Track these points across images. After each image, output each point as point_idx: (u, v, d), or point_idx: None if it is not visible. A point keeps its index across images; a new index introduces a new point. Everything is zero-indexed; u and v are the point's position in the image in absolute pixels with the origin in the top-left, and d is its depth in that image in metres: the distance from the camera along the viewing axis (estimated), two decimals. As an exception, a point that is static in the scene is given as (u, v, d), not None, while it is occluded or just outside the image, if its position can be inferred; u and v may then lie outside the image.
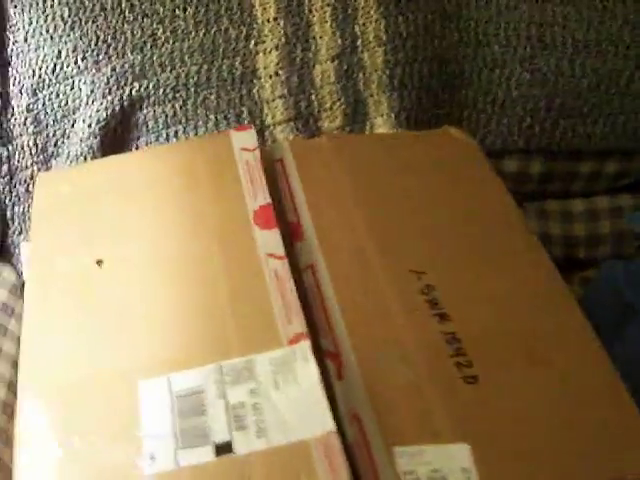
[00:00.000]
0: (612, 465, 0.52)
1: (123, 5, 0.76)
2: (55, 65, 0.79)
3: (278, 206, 0.66)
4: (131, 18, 0.76)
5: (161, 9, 0.76)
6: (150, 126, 0.78)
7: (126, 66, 0.77)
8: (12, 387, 0.65)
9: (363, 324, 0.59)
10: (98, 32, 0.76)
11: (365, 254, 0.64)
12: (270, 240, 0.62)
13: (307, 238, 0.65)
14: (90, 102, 0.77)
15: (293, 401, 0.52)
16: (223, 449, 0.50)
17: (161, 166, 0.69)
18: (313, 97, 0.80)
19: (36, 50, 0.79)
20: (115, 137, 0.79)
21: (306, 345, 0.55)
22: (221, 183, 0.67)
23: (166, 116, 0.78)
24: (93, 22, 0.76)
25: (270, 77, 0.79)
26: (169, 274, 0.61)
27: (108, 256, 0.63)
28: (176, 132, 0.78)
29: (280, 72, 0.79)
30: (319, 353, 0.57)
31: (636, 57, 0.84)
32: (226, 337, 0.56)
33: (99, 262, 0.62)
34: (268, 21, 0.78)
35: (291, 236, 0.65)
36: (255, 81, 0.79)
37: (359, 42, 0.79)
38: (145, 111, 0.77)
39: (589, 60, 0.84)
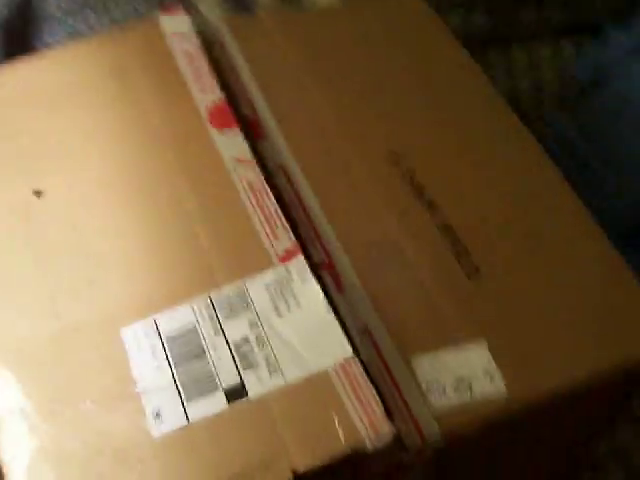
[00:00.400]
0: (623, 347, 0.51)
1: None
2: None
3: (227, 98, 0.58)
4: None
5: None
6: (53, 14, 0.66)
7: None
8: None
9: (352, 227, 0.53)
10: None
11: (336, 145, 0.57)
12: (233, 142, 0.55)
13: (270, 135, 0.57)
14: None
15: (301, 328, 0.47)
16: (235, 394, 0.45)
17: (85, 68, 0.59)
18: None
19: None
20: (16, 35, 0.67)
21: (301, 261, 0.49)
22: (161, 80, 0.58)
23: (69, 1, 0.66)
24: None
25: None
26: (124, 198, 0.53)
27: (47, 184, 0.54)
28: (86, 18, 0.67)
29: None
30: (311, 266, 0.51)
31: None
32: (208, 264, 0.50)
33: (37, 193, 0.53)
34: None
35: (250, 133, 0.58)
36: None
37: None
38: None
39: None
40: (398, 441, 0.45)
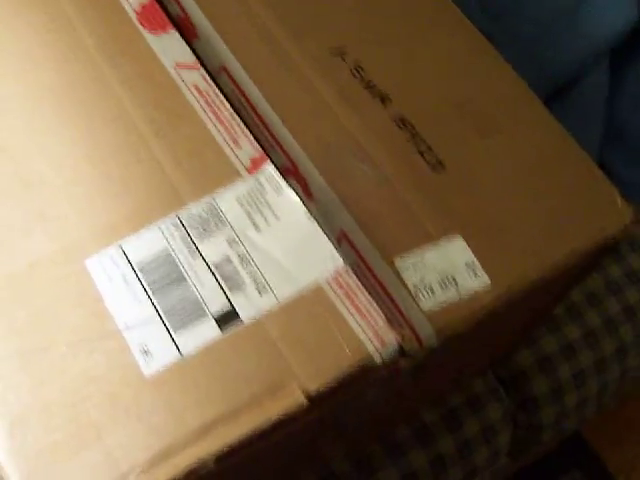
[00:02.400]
0: (590, 226, 0.50)
1: None
2: None
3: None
4: None
5: None
6: None
7: None
8: None
9: (307, 127, 0.49)
10: None
11: (276, 40, 0.51)
12: (170, 45, 0.48)
13: (205, 35, 0.51)
14: None
15: (284, 241, 0.43)
16: (226, 319, 0.41)
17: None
18: None
19: None
20: None
21: (270, 169, 0.45)
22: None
23: None
24: None
25: None
26: (61, 117, 0.45)
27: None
28: None
29: None
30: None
31: None
32: (169, 182, 0.44)
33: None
34: None
35: (183, 35, 0.51)
36: None
37: None
38: None
39: None
40: (400, 348, 0.42)
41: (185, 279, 0.41)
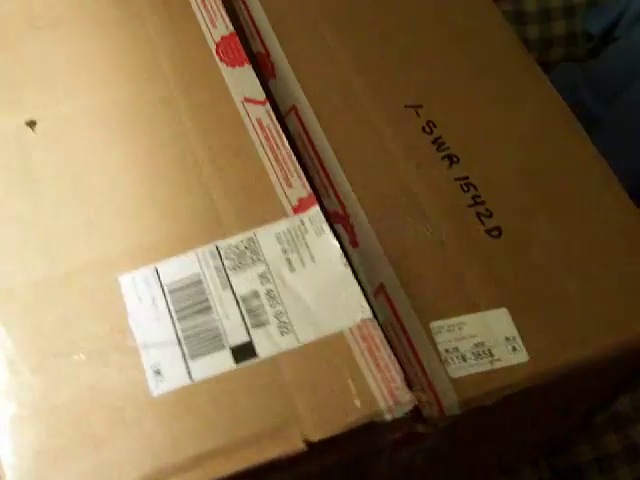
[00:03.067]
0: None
1: None
2: None
3: (239, 34, 0.52)
4: None
5: None
6: None
7: None
8: None
9: (367, 177, 0.48)
10: None
11: (352, 88, 0.51)
12: (243, 80, 0.49)
13: (281, 73, 0.51)
14: None
15: (315, 284, 0.42)
16: (243, 353, 0.40)
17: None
18: None
19: None
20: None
21: (316, 212, 0.44)
22: (167, 10, 0.51)
23: None
24: None
25: None
26: (124, 134, 0.47)
27: (41, 115, 0.47)
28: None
29: None
30: (326, 216, 0.46)
31: None
32: (215, 211, 0.44)
33: (31, 124, 0.47)
34: None
35: (261, 72, 0.52)
36: None
37: None
38: None
39: None
40: (416, 411, 0.40)
41: (210, 308, 0.41)
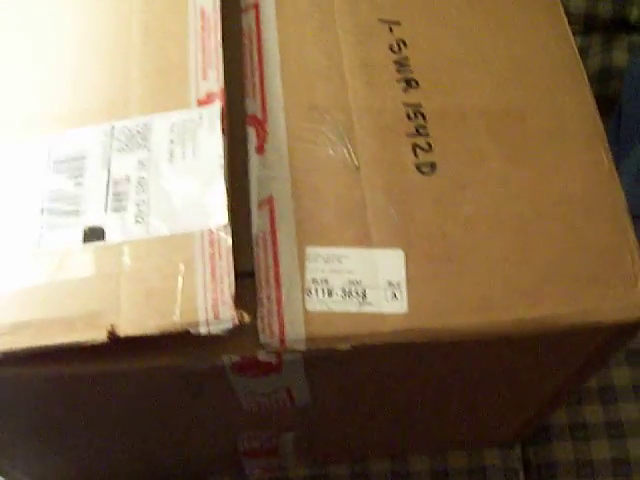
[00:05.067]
0: (587, 299, 0.39)
1: None
2: None
3: None
4: None
5: None
6: None
7: None
8: None
9: (305, 84, 0.43)
10: None
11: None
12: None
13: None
14: None
15: (185, 180, 0.38)
16: (93, 234, 0.38)
17: None
18: None
19: None
20: None
21: (216, 107, 0.40)
22: None
23: None
24: None
25: None
26: (80, 4, 0.45)
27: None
28: None
29: None
30: (241, 117, 0.42)
31: None
32: (128, 89, 0.41)
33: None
34: None
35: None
36: None
37: None
38: None
39: None
40: (252, 334, 0.36)
41: (82, 185, 0.39)
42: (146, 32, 0.43)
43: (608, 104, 0.76)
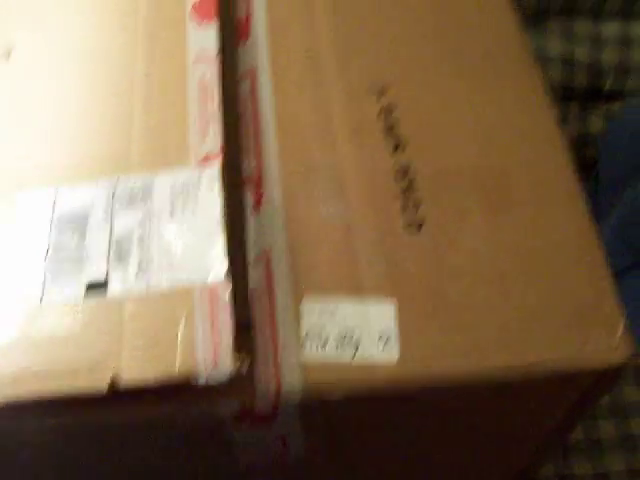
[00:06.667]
0: (555, 346, 0.40)
1: None
2: None
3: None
4: None
5: None
6: None
7: None
8: None
9: (299, 146, 0.45)
10: None
11: (320, 59, 0.48)
12: (205, 36, 0.47)
13: (254, 36, 0.49)
14: None
15: (186, 235, 0.40)
16: (95, 288, 0.39)
17: None
18: None
19: None
20: None
21: (215, 168, 0.42)
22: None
23: None
24: None
25: None
26: (84, 69, 0.47)
27: (20, 43, 0.49)
28: None
29: None
30: (238, 178, 0.44)
31: None
32: (129, 147, 0.43)
33: (8, 53, 0.48)
34: None
35: (237, 35, 0.50)
36: None
37: None
38: None
39: None
40: (249, 384, 0.37)
41: (85, 239, 0.40)
42: (148, 93, 0.45)
43: (586, 169, 0.78)
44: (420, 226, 0.42)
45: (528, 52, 0.51)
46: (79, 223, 0.41)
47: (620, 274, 0.65)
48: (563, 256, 0.42)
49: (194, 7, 0.49)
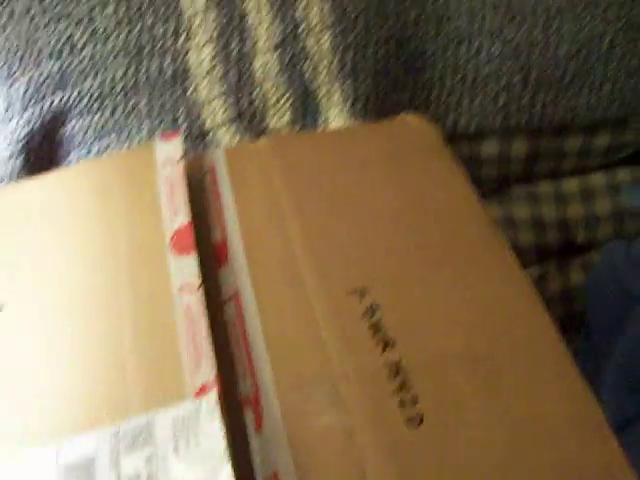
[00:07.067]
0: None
1: (34, 10, 0.64)
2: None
3: (204, 225, 0.54)
4: (44, 23, 0.64)
5: (76, 10, 0.63)
6: (79, 140, 0.66)
7: (44, 76, 0.65)
8: None
9: (291, 359, 0.46)
10: (8, 41, 0.64)
11: (299, 275, 0.51)
12: (186, 267, 0.50)
13: (232, 260, 0.52)
14: (7, 120, 0.66)
15: (193, 469, 0.40)
16: (108, 536, 0.39)
17: (78, 186, 0.57)
18: (256, 93, 0.66)
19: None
20: (41, 155, 0.67)
21: (212, 398, 0.43)
22: (137, 203, 0.54)
23: (95, 127, 0.66)
24: (2, 31, 0.64)
25: (205, 75, 0.66)
26: (72, 317, 0.49)
27: (14, 297, 0.51)
28: (108, 144, 0.66)
29: (216, 68, 0.66)
30: (237, 400, 0.45)
31: (616, 19, 0.69)
32: (126, 392, 0.44)
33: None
34: (197, 14, 0.65)
35: (216, 258, 0.53)
36: (189, 81, 0.66)
37: (302, 27, 0.66)
38: (71, 124, 0.65)
39: (565, 26, 0.69)
40: None
41: (94, 487, 0.40)
42: (136, 332, 0.47)
43: (576, 321, 0.80)
44: (421, 419, 0.43)
45: (492, 227, 0.54)
46: (85, 470, 0.41)
47: (628, 422, 0.65)
48: (559, 424, 0.43)
49: (174, 239, 0.52)
